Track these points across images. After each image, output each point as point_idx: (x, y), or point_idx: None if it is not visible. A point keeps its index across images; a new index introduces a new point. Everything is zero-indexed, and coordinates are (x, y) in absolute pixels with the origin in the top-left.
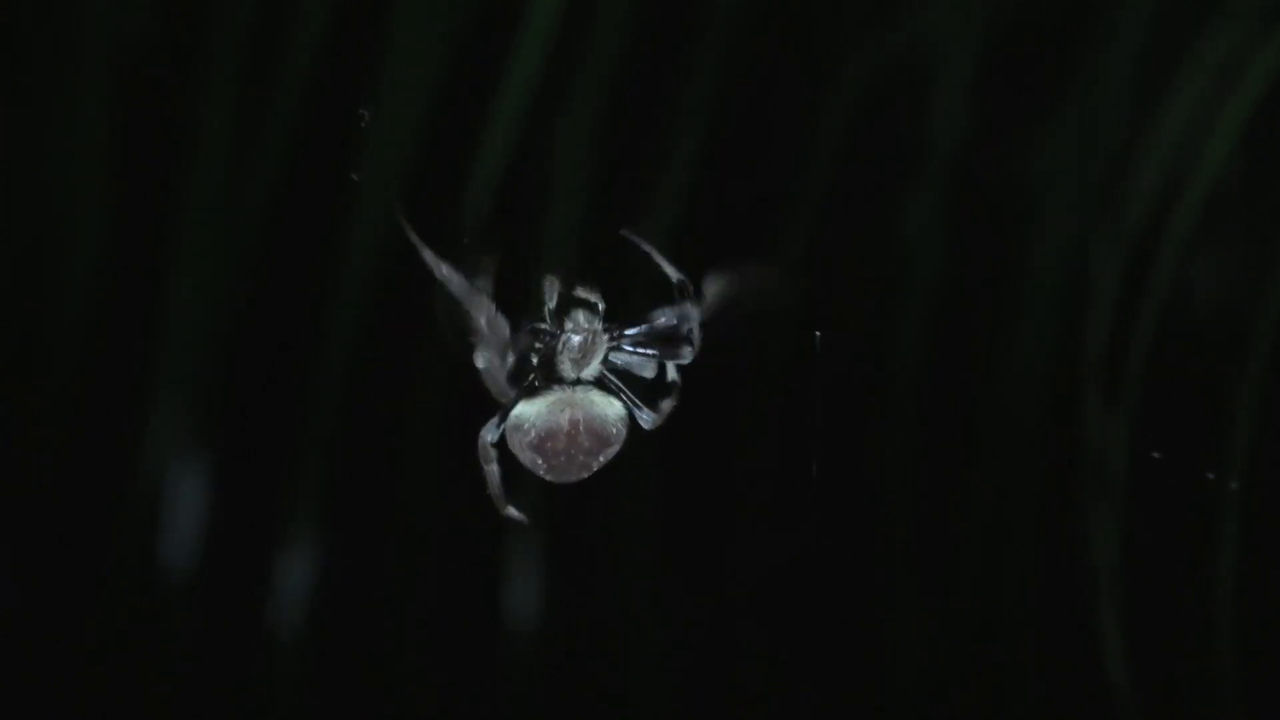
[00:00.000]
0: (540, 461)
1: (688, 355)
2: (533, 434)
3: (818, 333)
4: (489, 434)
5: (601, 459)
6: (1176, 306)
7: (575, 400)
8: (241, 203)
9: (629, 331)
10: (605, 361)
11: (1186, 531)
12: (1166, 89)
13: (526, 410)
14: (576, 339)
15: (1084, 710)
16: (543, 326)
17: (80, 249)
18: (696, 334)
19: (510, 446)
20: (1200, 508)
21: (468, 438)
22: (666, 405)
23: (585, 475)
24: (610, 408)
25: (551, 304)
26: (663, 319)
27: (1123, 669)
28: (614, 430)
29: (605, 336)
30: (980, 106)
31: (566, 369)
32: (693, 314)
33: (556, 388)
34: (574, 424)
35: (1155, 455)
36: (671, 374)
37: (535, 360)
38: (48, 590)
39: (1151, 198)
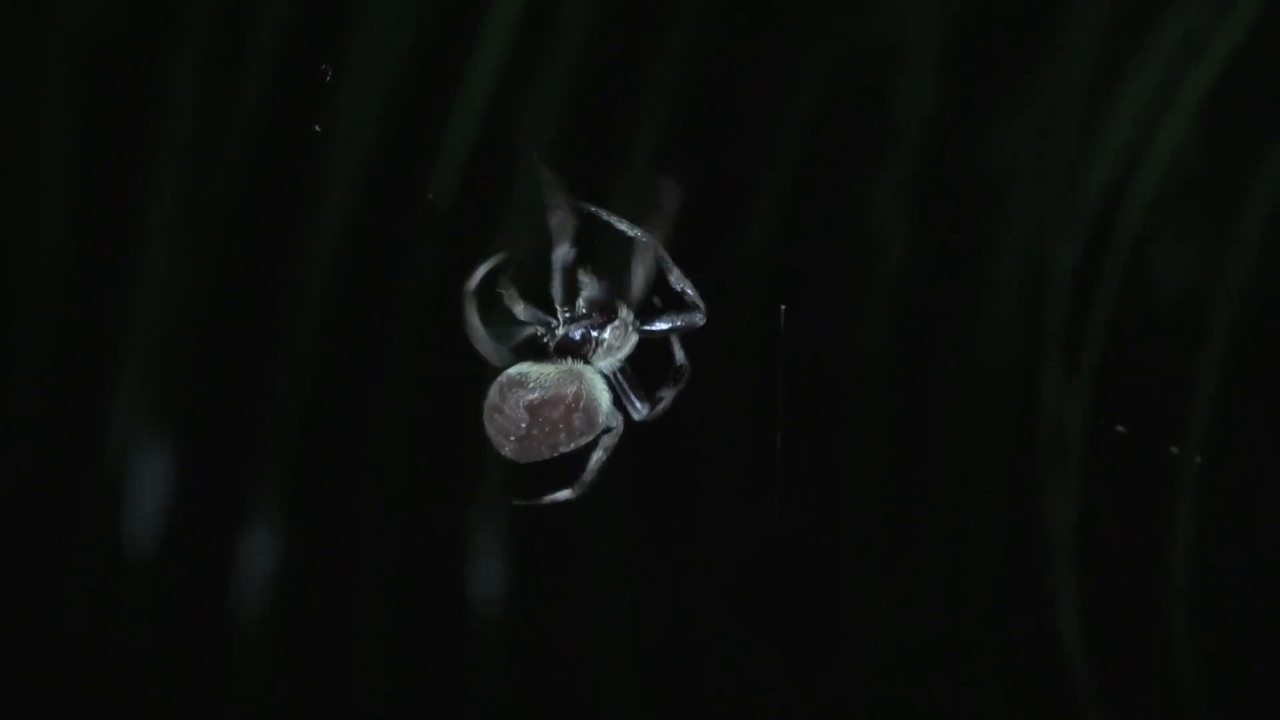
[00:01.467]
0: (523, 426)
1: (700, 319)
2: (535, 395)
3: (783, 306)
4: (470, 283)
5: (573, 445)
6: (1136, 283)
7: (584, 377)
8: (208, 184)
9: (652, 327)
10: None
11: (1141, 502)
12: (1126, 69)
13: (533, 370)
14: (613, 331)
15: (1041, 678)
16: (568, 311)
17: (46, 229)
18: (692, 291)
19: (492, 401)
20: (1156, 480)
21: (434, 419)
22: (668, 394)
23: (547, 457)
24: (605, 399)
25: (588, 292)
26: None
27: (1077, 637)
28: (602, 420)
29: (635, 336)
30: (945, 90)
31: (592, 350)
32: (671, 271)
33: (568, 360)
34: (576, 399)
35: (1119, 429)
36: (679, 356)
37: (557, 328)
38: (12, 572)
39: (1111, 176)
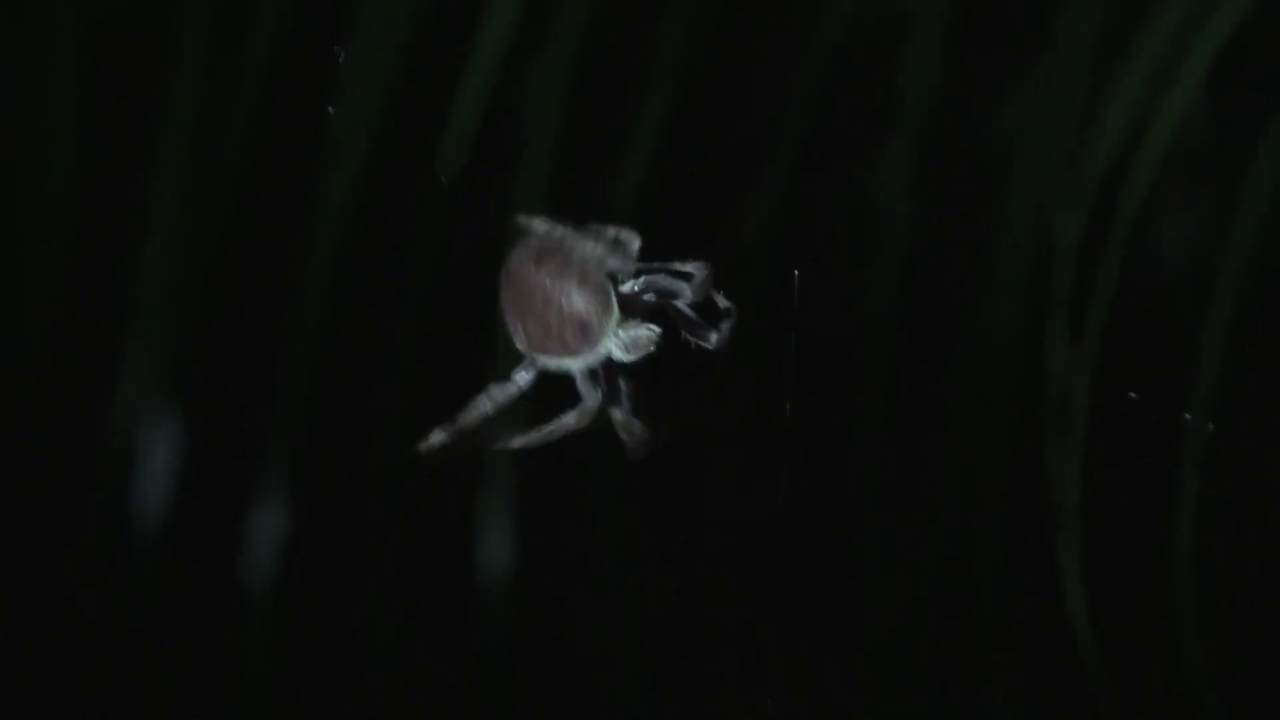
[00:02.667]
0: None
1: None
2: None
3: (796, 272)
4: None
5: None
6: (1142, 251)
7: (605, 296)
8: (214, 155)
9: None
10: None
11: (1147, 471)
12: (1132, 37)
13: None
14: (634, 343)
15: (1045, 648)
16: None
17: (52, 204)
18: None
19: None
20: (1162, 449)
21: (440, 392)
22: (726, 328)
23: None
24: (606, 329)
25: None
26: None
27: (1082, 607)
28: (595, 328)
29: (652, 348)
30: (951, 60)
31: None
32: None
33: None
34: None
35: (1132, 395)
36: (722, 301)
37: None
38: (18, 549)
39: (1117, 144)
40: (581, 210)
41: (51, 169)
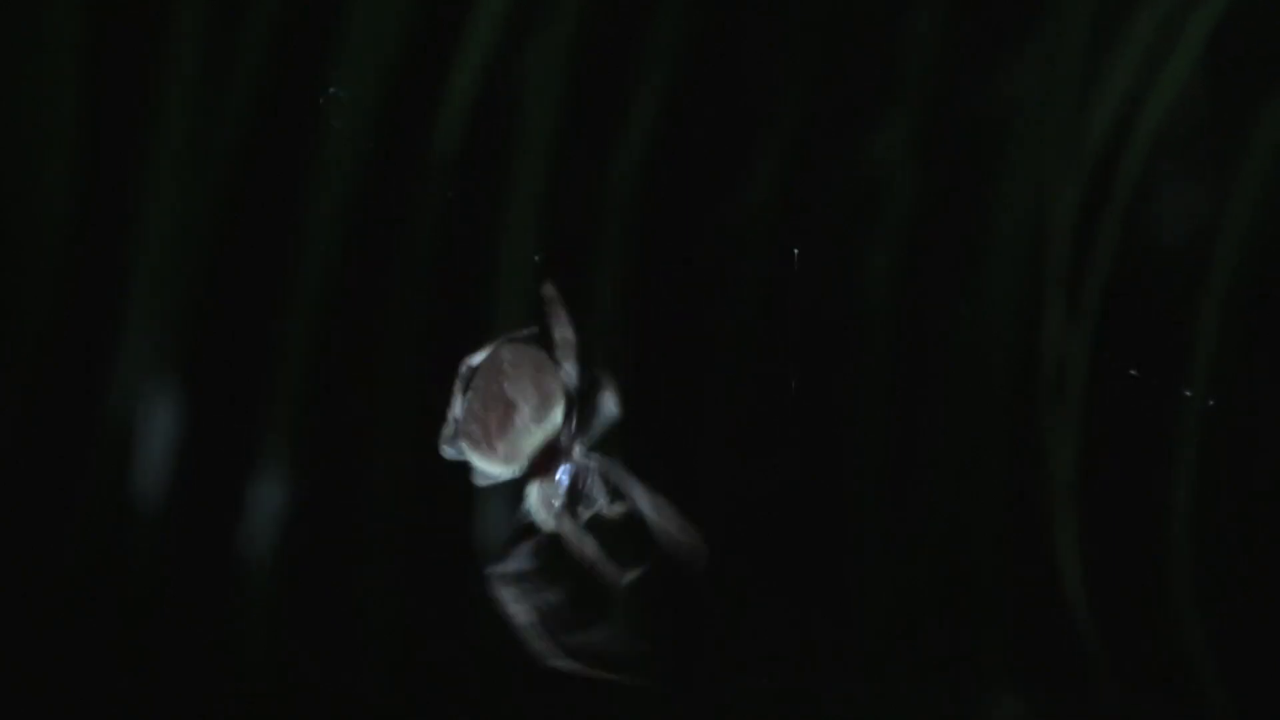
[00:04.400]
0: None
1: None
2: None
3: (795, 250)
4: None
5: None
6: (1140, 224)
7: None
8: (215, 122)
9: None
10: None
11: (1144, 445)
12: (1131, 9)
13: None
14: (544, 500)
15: (1042, 623)
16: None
17: (52, 169)
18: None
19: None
20: (1158, 422)
21: (442, 362)
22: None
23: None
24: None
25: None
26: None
27: (1078, 582)
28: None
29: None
30: (950, 31)
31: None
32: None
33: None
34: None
35: (1132, 373)
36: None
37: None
38: (19, 518)
39: (1116, 116)
40: (580, 186)
41: (50, 141)
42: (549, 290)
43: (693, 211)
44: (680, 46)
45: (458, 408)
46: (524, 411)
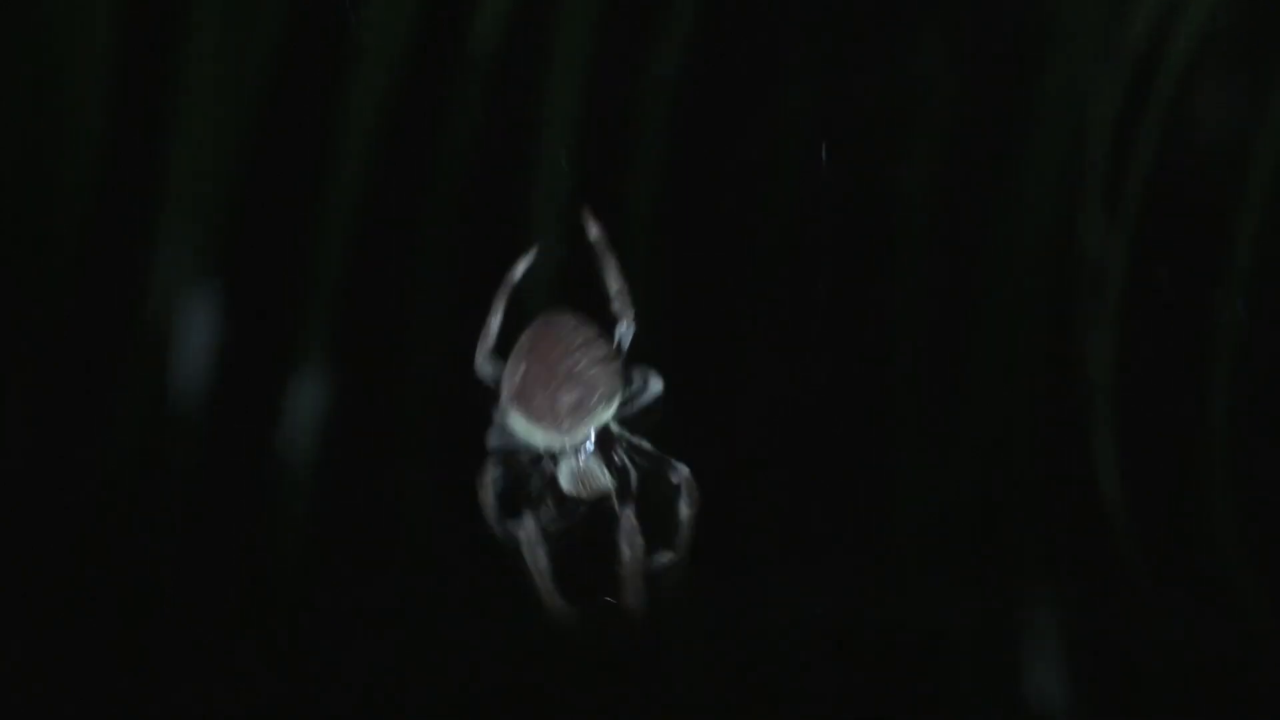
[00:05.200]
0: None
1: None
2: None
3: (824, 145)
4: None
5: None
6: (1178, 128)
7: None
8: (247, 38)
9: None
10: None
11: (1181, 350)
12: None
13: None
14: (587, 474)
15: (1081, 527)
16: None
17: (89, 82)
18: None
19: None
20: (1196, 327)
21: (476, 269)
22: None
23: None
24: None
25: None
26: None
27: (1116, 485)
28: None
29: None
30: None
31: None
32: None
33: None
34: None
35: (1162, 276)
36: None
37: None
38: (60, 419)
39: (1154, 20)
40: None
41: (88, 49)
42: (596, 234)
43: (731, 118)
44: None
45: (496, 322)
46: (599, 395)
